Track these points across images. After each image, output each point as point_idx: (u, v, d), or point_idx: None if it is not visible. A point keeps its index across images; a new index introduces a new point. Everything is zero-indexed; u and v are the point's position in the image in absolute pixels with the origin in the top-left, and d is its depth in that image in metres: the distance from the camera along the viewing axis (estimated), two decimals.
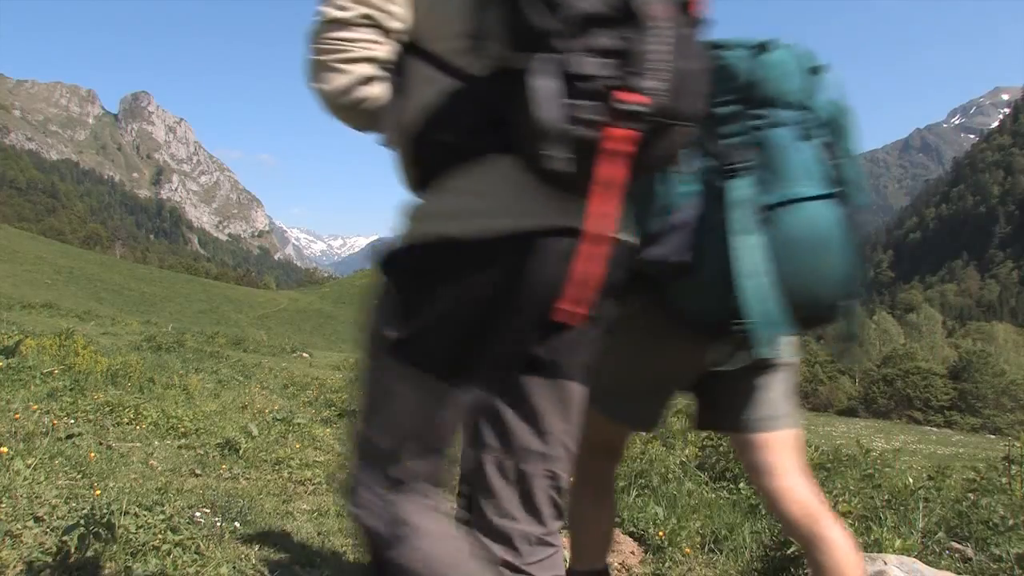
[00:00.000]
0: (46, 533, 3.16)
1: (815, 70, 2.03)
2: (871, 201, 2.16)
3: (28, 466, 4.06)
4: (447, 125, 1.41)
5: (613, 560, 3.95)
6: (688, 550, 4.03)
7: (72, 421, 5.88)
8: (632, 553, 4.04)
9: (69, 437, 5.09)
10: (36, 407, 5.95)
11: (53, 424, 5.40)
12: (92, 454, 4.79)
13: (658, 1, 1.26)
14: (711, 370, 2.21)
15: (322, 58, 1.49)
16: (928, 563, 3.41)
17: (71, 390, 7.13)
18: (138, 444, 5.67)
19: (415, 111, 1.46)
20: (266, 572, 3.31)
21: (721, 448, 5.86)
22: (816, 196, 1.89)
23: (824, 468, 5.60)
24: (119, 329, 22.08)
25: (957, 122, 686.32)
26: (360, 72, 1.49)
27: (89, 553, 2.97)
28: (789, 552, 3.55)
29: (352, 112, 1.54)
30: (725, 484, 5.42)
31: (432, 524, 1.50)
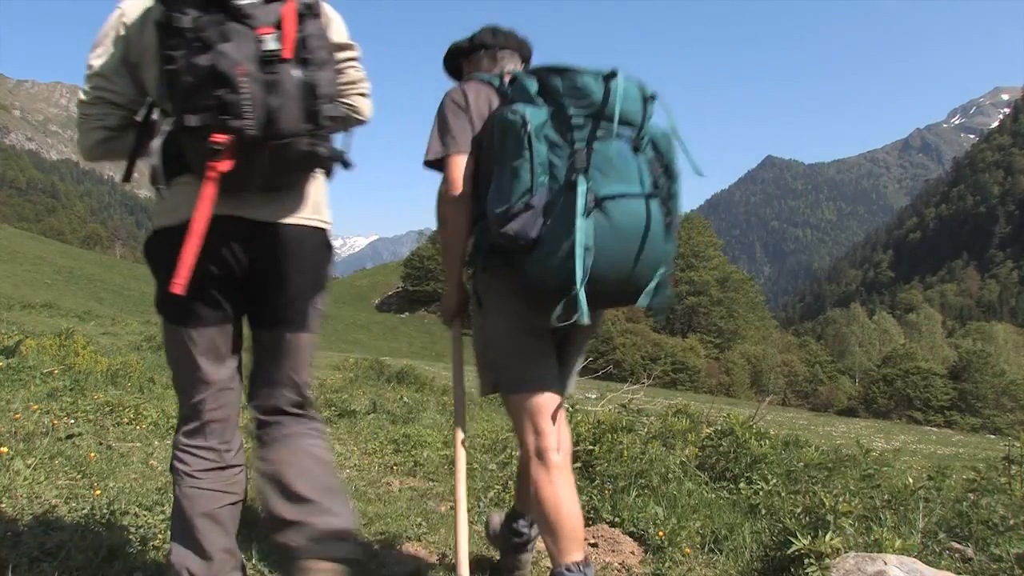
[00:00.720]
0: (46, 533, 3.16)
1: (651, 98, 2.58)
2: (680, 210, 2.54)
3: (28, 466, 4.07)
4: (164, 156, 2.10)
5: (613, 560, 3.95)
6: (688, 550, 4.03)
7: (72, 421, 5.89)
8: (632, 553, 4.04)
9: (69, 437, 5.09)
10: (36, 407, 5.95)
11: (53, 424, 5.40)
12: (92, 454, 4.80)
13: (241, 62, 1.92)
14: (560, 336, 2.87)
15: (79, 126, 2.33)
16: (928, 563, 3.40)
17: (71, 390, 7.13)
18: (138, 444, 5.67)
19: (154, 148, 2.11)
20: (267, 573, 3.31)
21: (721, 448, 5.86)
22: (637, 195, 2.45)
23: (825, 468, 5.59)
24: (119, 329, 22.09)
25: (957, 122, 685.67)
26: (98, 136, 2.31)
27: (89, 553, 2.97)
28: (789, 552, 3.55)
29: (101, 158, 2.38)
30: (725, 484, 5.42)
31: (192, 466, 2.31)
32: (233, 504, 2.35)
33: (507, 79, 2.77)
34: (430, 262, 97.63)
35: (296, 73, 2.00)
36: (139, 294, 57.65)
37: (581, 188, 2.38)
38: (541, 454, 2.70)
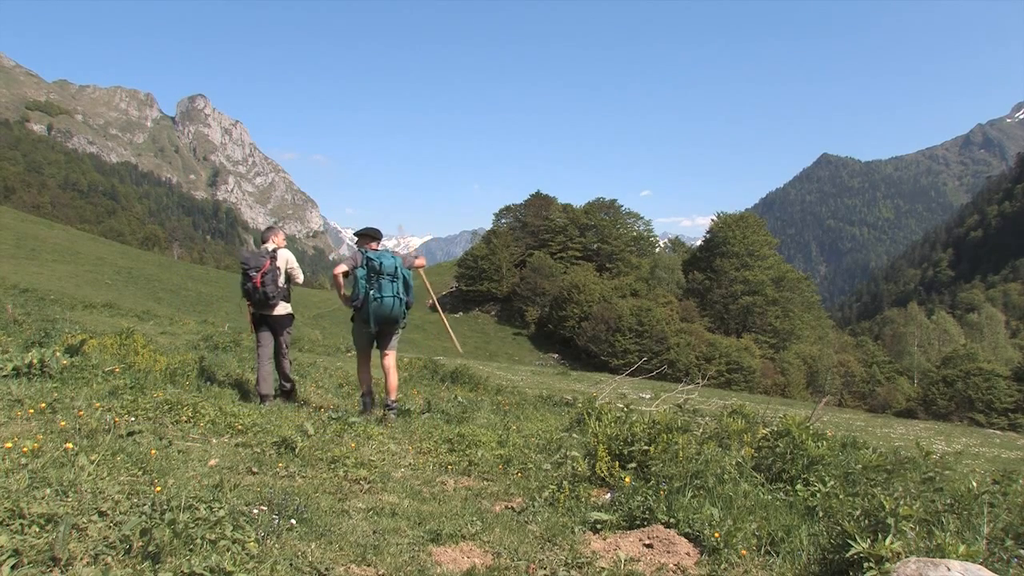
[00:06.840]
0: (110, 527, 3.22)
1: (402, 263, 8.69)
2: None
3: (92, 462, 4.15)
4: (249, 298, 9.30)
5: (668, 561, 3.92)
6: (744, 552, 3.98)
7: (133, 419, 6.00)
8: (687, 554, 4.01)
9: (130, 434, 5.19)
10: (99, 404, 6.07)
11: (115, 421, 5.51)
12: (152, 451, 4.88)
13: (251, 289, 8.98)
14: (378, 332, 8.83)
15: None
16: (995, 571, 3.32)
17: (132, 388, 7.27)
18: (196, 442, 5.76)
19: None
20: (321, 569, 3.34)
21: (778, 449, 5.77)
22: (390, 296, 8.53)
23: (884, 470, 5.48)
24: (177, 328, 22.43)
25: (1022, 117, 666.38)
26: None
27: (150, 548, 3.02)
28: (848, 555, 3.48)
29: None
30: (782, 485, 5.33)
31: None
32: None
33: (367, 252, 8.64)
34: (483, 262, 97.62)
35: (263, 288, 8.87)
36: (196, 294, 58.70)
37: (371, 294, 8.48)
38: (366, 363, 9.17)
